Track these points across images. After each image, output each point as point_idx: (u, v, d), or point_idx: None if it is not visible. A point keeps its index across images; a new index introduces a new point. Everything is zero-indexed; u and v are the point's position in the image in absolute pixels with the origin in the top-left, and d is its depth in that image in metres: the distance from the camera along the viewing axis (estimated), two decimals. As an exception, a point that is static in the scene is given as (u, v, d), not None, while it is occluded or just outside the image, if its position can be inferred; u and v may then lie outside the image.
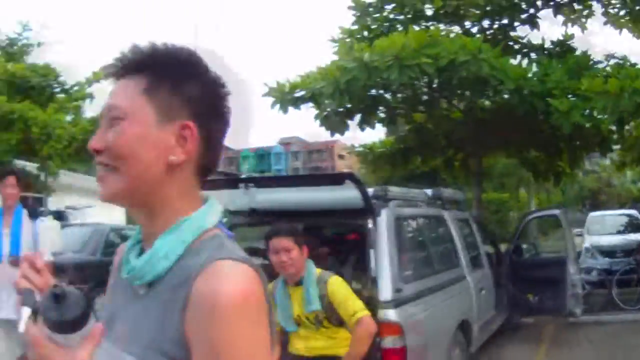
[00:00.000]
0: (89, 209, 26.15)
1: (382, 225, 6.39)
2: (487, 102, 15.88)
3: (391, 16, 16.45)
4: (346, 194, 6.22)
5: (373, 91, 14.52)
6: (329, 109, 14.61)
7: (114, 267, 1.74)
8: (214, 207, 1.59)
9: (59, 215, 20.77)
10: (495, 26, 16.43)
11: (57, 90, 23.36)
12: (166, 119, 1.51)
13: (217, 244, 1.49)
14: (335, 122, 15.19)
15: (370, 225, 6.24)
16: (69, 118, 21.56)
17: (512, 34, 16.62)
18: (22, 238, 6.53)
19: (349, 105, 14.52)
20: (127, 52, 1.55)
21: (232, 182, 7.52)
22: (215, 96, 1.59)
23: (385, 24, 16.26)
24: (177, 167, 1.52)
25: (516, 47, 16.53)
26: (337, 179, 6.44)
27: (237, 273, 1.38)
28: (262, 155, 71.04)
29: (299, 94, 14.41)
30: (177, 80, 1.53)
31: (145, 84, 1.51)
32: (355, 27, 16.49)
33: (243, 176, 9.16)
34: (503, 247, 12.43)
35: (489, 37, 15.69)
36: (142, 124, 1.49)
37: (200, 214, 1.54)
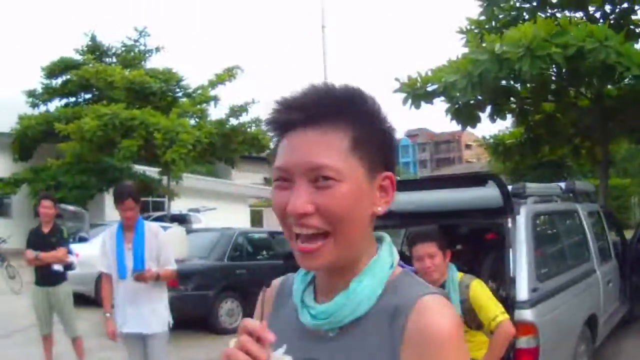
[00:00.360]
0: (211, 211, 26.50)
1: (521, 224, 6.23)
2: (613, 89, 15.47)
3: (517, 4, 16.22)
4: (486, 193, 6.12)
5: (503, 82, 14.25)
6: (460, 102, 14.42)
7: (266, 304, 1.67)
8: (391, 244, 1.60)
9: (182, 218, 21.23)
10: (617, 11, 15.98)
11: (179, 94, 23.79)
12: (371, 173, 1.46)
13: (409, 279, 1.52)
14: (466, 114, 15.04)
15: (509, 224, 6.12)
16: (192, 122, 21.87)
17: (633, 17, 16.14)
18: (146, 253, 6.52)
19: (480, 97, 14.35)
20: (311, 96, 1.45)
21: None
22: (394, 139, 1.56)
23: (512, 13, 16.06)
24: (373, 216, 1.50)
25: (638, 31, 16.05)
26: (479, 180, 6.34)
27: (444, 306, 1.41)
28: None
29: (430, 88, 14.21)
30: (379, 132, 1.49)
31: (351, 140, 1.43)
32: (483, 17, 16.32)
33: None
34: (627, 234, 12.04)
35: (612, 22, 15.27)
36: (357, 184, 1.43)
37: (386, 253, 1.55)
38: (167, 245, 6.79)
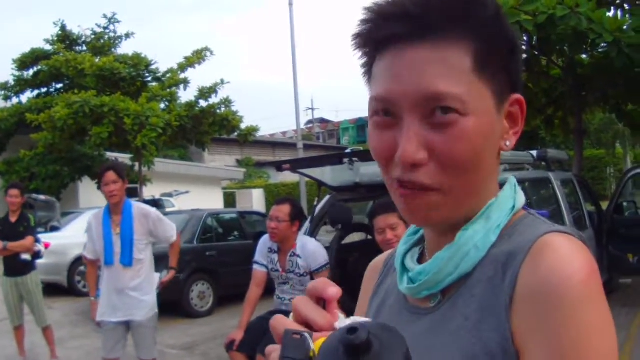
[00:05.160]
0: (184, 195, 26.45)
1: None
2: (585, 58, 15.41)
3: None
4: None
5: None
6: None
7: (365, 286, 1.46)
8: (517, 185, 1.25)
9: (155, 204, 21.15)
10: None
11: (149, 79, 23.60)
12: (500, 98, 1.13)
13: (532, 221, 1.16)
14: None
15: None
16: (162, 106, 21.70)
17: (604, -17, 16.08)
18: (135, 237, 6.25)
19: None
20: (417, 1, 1.08)
21: (336, 157, 7.42)
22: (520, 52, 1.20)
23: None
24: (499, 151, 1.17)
25: (609, -1, 16.01)
26: None
27: (574, 246, 1.04)
28: (362, 126, 70.74)
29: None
30: (504, 43, 1.13)
31: (475, 56, 1.08)
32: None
33: (347, 151, 9.04)
34: (603, 205, 12.02)
35: (583, -12, 15.21)
36: (486, 116, 1.10)
37: (507, 193, 1.20)
38: (162, 221, 6.53)
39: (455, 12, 1.07)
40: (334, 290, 0.90)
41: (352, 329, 0.76)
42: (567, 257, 1.00)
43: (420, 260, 1.26)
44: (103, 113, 19.77)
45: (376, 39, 1.12)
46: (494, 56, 1.10)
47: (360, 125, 71.82)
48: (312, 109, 75.15)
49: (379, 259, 1.47)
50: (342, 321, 0.86)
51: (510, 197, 1.20)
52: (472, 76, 1.07)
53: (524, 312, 1.00)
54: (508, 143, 1.15)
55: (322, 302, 0.91)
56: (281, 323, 0.88)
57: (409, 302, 1.24)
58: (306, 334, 0.82)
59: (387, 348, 0.75)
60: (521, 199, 1.22)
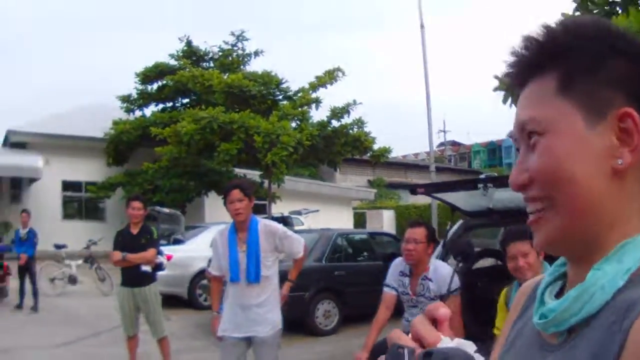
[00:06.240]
0: (314, 214, 26.47)
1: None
2: None
3: (611, -1, 15.64)
4: None
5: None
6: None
7: (513, 308, 1.40)
8: None
9: (283, 221, 21.23)
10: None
11: (279, 97, 23.76)
12: (596, 114, 1.10)
13: None
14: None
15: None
16: (293, 125, 21.77)
17: None
18: (262, 255, 6.15)
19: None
20: (521, 50, 1.18)
21: (470, 183, 7.36)
22: None
23: (606, 8, 15.47)
24: (622, 173, 1.11)
25: None
26: None
27: None
28: (494, 149, 69.65)
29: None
30: (593, 59, 1.12)
31: (562, 76, 1.13)
32: (577, 13, 15.75)
33: (482, 176, 9.01)
34: None
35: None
36: (568, 132, 1.11)
37: None
38: (288, 237, 6.39)
39: (546, 51, 1.15)
40: (443, 311, 1.00)
41: (427, 354, 0.89)
42: None
43: (559, 294, 1.21)
44: (232, 129, 20.01)
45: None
46: (588, 71, 1.12)
47: (491, 148, 70.81)
48: (444, 132, 74.49)
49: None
50: (444, 342, 0.95)
51: None
52: (554, 97, 1.13)
53: None
54: (620, 161, 1.09)
55: (436, 321, 0.99)
56: (396, 337, 0.98)
57: (541, 336, 1.21)
58: (406, 350, 0.92)
59: None
60: None
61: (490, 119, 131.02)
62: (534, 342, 1.22)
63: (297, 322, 11.80)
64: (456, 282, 6.08)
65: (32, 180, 27.09)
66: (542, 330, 1.18)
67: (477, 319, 6.44)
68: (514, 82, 1.21)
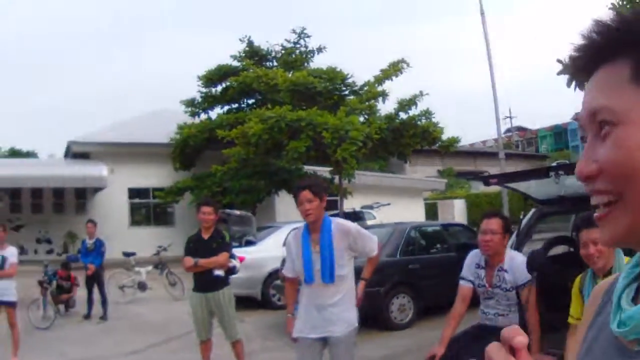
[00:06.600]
0: (385, 207, 26.36)
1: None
2: None
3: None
4: None
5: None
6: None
7: (587, 312, 1.36)
8: None
9: (355, 216, 21.15)
10: None
11: (346, 92, 23.71)
12: None
13: None
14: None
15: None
16: (361, 119, 21.73)
17: None
18: (336, 254, 6.02)
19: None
20: (592, 34, 1.14)
21: (542, 171, 7.31)
22: None
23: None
24: None
25: None
26: None
27: None
28: (560, 133, 68.55)
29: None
30: None
31: (630, 69, 1.08)
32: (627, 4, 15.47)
33: (553, 164, 8.95)
34: None
35: None
36: None
37: None
38: (362, 236, 6.26)
39: (618, 36, 1.10)
40: (520, 340, 1.00)
41: None
42: None
43: (636, 297, 1.17)
44: (300, 127, 19.99)
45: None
46: None
47: (557, 132, 69.80)
48: (510, 117, 73.64)
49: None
50: None
51: None
52: (629, 86, 1.08)
53: None
54: None
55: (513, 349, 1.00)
56: (488, 357, 1.02)
57: (619, 341, 1.15)
58: None
59: None
60: None
61: (554, 102, 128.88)
62: (612, 348, 1.17)
63: (372, 317, 11.70)
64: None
65: (97, 189, 27.48)
66: (623, 337, 1.13)
67: (551, 307, 6.42)
68: (582, 66, 1.17)
